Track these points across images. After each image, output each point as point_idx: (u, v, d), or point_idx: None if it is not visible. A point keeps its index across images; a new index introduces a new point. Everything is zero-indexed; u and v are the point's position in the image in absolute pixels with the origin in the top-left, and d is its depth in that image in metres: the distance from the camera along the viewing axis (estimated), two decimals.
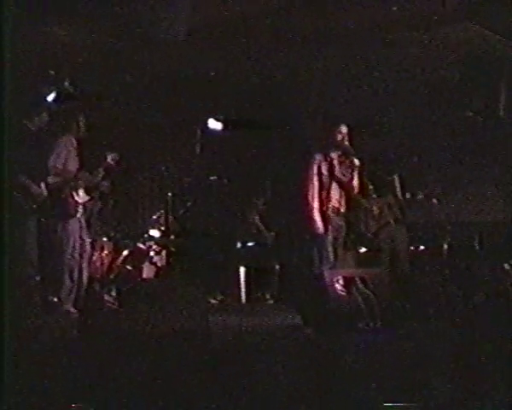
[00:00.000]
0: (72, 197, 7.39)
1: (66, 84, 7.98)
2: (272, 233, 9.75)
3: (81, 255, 7.42)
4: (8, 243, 3.76)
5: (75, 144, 7.49)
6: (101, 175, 7.59)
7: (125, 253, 8.82)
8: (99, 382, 4.47)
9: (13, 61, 3.81)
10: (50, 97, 7.67)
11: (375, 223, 8.29)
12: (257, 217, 9.70)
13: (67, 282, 7.22)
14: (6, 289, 3.74)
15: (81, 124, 7.51)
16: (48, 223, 7.42)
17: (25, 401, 3.96)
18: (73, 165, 7.46)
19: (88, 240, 7.54)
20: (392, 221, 8.27)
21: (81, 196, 7.45)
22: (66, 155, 7.40)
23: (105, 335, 5.55)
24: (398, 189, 8.36)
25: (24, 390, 3.98)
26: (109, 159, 7.59)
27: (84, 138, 7.55)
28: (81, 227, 7.45)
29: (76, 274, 7.31)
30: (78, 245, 7.37)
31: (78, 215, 7.41)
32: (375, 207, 8.25)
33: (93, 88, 8.60)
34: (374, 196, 8.23)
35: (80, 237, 7.41)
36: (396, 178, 8.41)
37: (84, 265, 7.45)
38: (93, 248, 7.87)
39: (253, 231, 9.61)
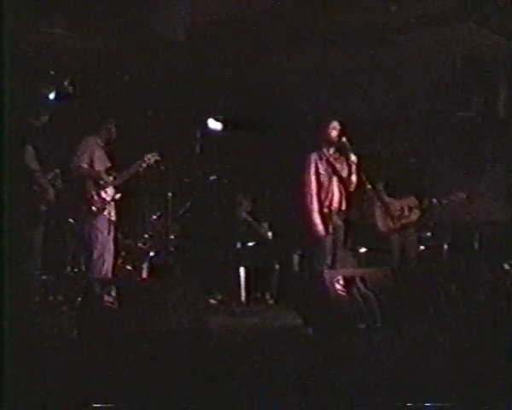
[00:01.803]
0: (99, 195, 7.41)
1: (66, 84, 7.99)
2: (266, 225, 9.75)
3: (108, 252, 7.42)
4: (9, 243, 3.76)
5: (102, 145, 7.53)
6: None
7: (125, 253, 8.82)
8: (99, 382, 4.47)
9: (13, 61, 3.81)
10: (51, 96, 7.70)
11: (392, 223, 8.26)
12: (245, 214, 9.69)
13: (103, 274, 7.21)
14: (6, 289, 3.74)
15: (111, 126, 7.57)
16: (53, 223, 7.43)
17: (25, 401, 3.96)
18: (101, 165, 7.49)
19: (111, 237, 7.52)
20: (411, 223, 8.26)
21: (109, 194, 7.48)
22: (91, 155, 7.45)
23: (104, 335, 5.56)
24: (426, 191, 8.36)
25: (24, 390, 3.98)
26: (147, 159, 7.67)
27: (114, 140, 7.61)
28: (110, 223, 7.46)
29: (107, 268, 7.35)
30: (105, 242, 7.38)
31: (105, 213, 7.42)
32: (394, 208, 8.24)
33: (92, 88, 8.61)
34: (370, 192, 8.19)
35: (108, 234, 7.41)
36: (424, 179, 8.43)
37: (109, 260, 7.44)
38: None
39: (245, 228, 9.61)
